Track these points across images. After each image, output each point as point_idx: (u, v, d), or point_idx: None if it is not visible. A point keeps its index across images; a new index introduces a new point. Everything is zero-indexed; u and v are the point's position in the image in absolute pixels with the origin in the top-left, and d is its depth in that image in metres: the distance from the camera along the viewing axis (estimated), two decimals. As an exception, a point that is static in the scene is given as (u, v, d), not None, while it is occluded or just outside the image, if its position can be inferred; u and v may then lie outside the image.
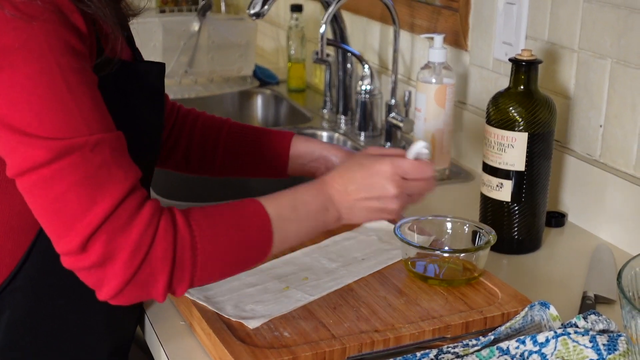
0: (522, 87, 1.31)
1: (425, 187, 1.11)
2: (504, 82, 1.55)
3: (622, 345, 0.96)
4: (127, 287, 0.90)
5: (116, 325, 1.11)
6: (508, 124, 1.30)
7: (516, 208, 1.32)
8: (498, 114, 1.31)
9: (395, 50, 1.83)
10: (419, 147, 1.11)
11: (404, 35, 1.94)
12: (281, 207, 1.00)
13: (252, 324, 1.04)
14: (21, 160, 0.87)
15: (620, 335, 0.98)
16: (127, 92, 1.01)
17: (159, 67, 1.10)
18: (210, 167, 1.33)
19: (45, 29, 0.87)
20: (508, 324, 1.04)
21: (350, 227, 1.32)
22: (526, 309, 1.06)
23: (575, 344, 0.97)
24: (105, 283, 0.90)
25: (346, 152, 1.30)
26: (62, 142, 0.87)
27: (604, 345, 0.96)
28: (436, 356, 0.99)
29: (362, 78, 1.93)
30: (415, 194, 1.11)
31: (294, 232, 1.02)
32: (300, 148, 1.30)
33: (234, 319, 1.04)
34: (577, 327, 1.01)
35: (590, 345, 0.97)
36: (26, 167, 0.87)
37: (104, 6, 0.94)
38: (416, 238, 1.23)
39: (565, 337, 0.98)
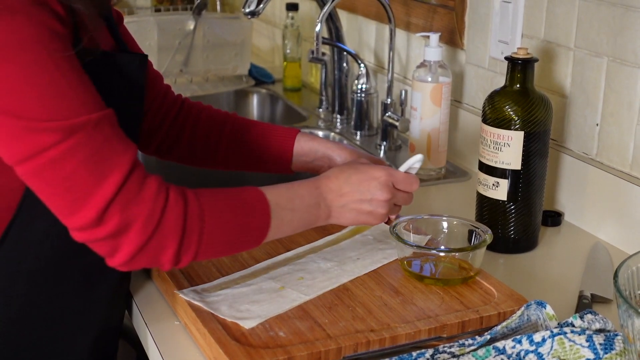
0: (518, 85, 1.31)
1: (407, 199, 1.17)
2: (500, 81, 1.54)
3: (618, 345, 0.96)
4: (139, 254, 0.95)
5: (96, 312, 1.10)
6: (504, 123, 1.29)
7: (512, 207, 1.32)
8: (494, 113, 1.31)
9: (391, 49, 1.83)
10: (415, 161, 1.18)
11: (400, 34, 1.93)
12: (279, 196, 1.06)
13: (247, 324, 1.03)
14: (27, 145, 0.90)
15: (616, 335, 0.97)
16: (104, 82, 1.02)
17: (140, 59, 1.10)
18: (214, 160, 1.34)
19: (30, 20, 0.89)
20: (504, 324, 1.03)
21: (344, 226, 1.32)
22: (522, 308, 1.05)
23: (571, 343, 0.97)
24: (119, 251, 0.95)
25: (350, 151, 1.29)
26: (66, 123, 0.90)
27: (600, 344, 0.96)
28: (432, 356, 0.98)
29: (358, 77, 1.93)
30: (398, 205, 1.17)
31: (289, 221, 1.06)
32: (304, 146, 1.31)
33: (229, 319, 1.04)
34: (573, 326, 1.01)
35: (586, 344, 0.96)
36: (33, 151, 0.90)
37: None
38: (412, 237, 1.23)
39: (562, 336, 0.98)
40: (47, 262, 1.03)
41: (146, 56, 1.12)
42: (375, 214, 1.13)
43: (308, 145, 1.31)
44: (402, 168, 1.18)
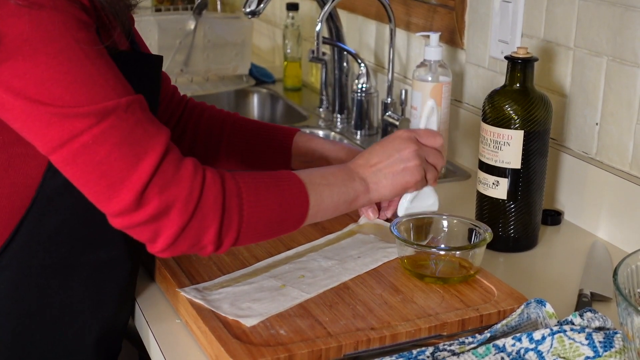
0: (518, 85, 1.31)
1: (438, 157, 1.18)
2: (499, 80, 1.55)
3: (618, 343, 0.96)
4: (181, 237, 0.95)
5: (103, 310, 1.10)
6: (504, 122, 1.30)
7: (512, 206, 1.32)
8: (494, 112, 1.31)
9: (391, 49, 1.83)
10: (428, 110, 1.21)
11: (400, 34, 1.94)
12: (311, 175, 1.07)
13: (249, 322, 1.03)
14: (59, 132, 0.90)
15: (616, 333, 0.98)
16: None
17: (158, 60, 1.11)
18: (215, 158, 1.35)
19: (58, 10, 0.90)
20: (504, 322, 1.04)
21: (345, 224, 1.32)
22: (522, 306, 1.06)
23: (571, 341, 0.97)
24: (161, 234, 0.94)
25: (348, 151, 1.30)
26: (97, 107, 0.90)
27: (600, 342, 0.96)
28: (432, 354, 0.99)
29: (358, 76, 1.93)
30: (431, 162, 1.17)
31: (328, 196, 1.07)
32: (301, 147, 1.32)
33: (230, 317, 1.04)
34: (573, 324, 1.01)
35: (586, 342, 0.97)
36: (66, 137, 0.90)
37: None
38: (412, 236, 1.23)
39: (562, 334, 0.98)
40: (58, 258, 1.03)
41: (161, 57, 1.13)
42: (410, 169, 1.14)
43: (305, 146, 1.32)
44: (422, 121, 1.23)
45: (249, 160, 1.34)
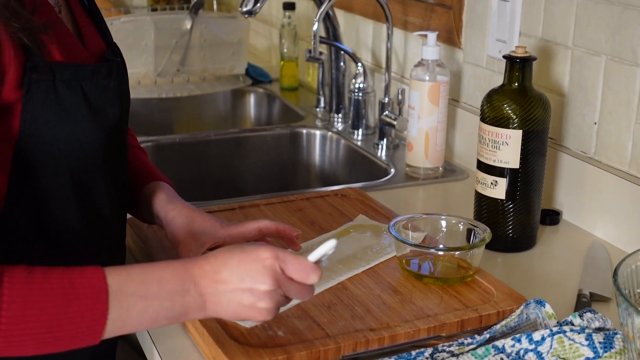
0: (516, 84, 1.30)
1: (304, 293, 0.94)
2: (497, 80, 1.54)
3: (618, 343, 0.96)
4: None
5: None
6: (502, 122, 1.29)
7: (511, 206, 1.32)
8: (492, 112, 1.31)
9: (389, 48, 1.82)
10: (329, 248, 0.93)
11: (397, 33, 1.93)
12: (127, 280, 0.88)
13: (248, 323, 1.03)
14: None
15: (616, 333, 0.97)
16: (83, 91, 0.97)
17: (107, 67, 1.03)
18: None
19: None
20: (503, 322, 1.03)
21: (341, 224, 1.32)
22: (522, 307, 1.05)
23: (571, 342, 0.97)
24: None
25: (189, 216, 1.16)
26: None
27: (600, 343, 0.96)
28: (431, 355, 0.98)
29: (355, 76, 1.93)
30: (292, 297, 0.94)
31: (140, 312, 0.88)
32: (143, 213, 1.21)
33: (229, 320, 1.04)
34: (572, 325, 1.01)
35: (586, 343, 0.96)
36: None
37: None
38: (410, 236, 1.22)
39: (561, 335, 0.98)
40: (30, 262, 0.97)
41: (111, 62, 1.04)
42: (259, 310, 0.91)
43: (147, 209, 1.19)
44: (313, 256, 0.93)
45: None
